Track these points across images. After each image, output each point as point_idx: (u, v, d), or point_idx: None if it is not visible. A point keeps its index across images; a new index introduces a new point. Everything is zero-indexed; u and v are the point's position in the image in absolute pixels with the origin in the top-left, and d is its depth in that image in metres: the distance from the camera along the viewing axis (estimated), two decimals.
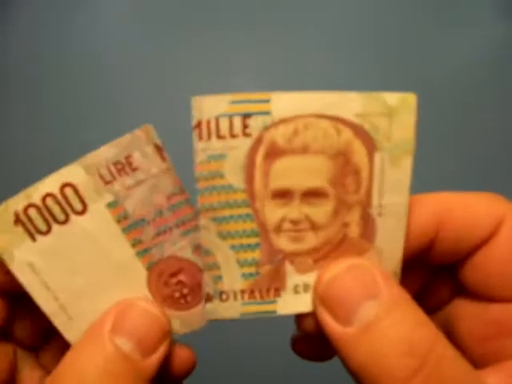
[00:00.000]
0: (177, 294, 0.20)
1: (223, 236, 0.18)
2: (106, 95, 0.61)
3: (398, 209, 0.18)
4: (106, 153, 0.18)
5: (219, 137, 0.17)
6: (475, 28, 0.65)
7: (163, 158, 0.18)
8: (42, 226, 0.18)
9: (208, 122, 0.17)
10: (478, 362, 0.18)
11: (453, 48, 0.64)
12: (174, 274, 0.19)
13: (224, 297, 0.19)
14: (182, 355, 0.20)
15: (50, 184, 0.18)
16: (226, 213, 0.18)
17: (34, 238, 0.18)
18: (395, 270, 0.19)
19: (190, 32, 0.63)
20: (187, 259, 0.19)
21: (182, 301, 0.20)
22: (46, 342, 0.22)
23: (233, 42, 0.64)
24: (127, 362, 0.17)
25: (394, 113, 0.17)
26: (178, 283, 0.19)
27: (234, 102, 0.17)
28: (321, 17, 0.65)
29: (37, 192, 0.18)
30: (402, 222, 0.18)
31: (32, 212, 0.18)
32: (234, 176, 0.18)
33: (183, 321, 0.20)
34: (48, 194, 0.18)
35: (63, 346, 0.19)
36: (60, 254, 0.18)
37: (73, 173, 0.18)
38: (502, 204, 0.19)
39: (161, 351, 0.18)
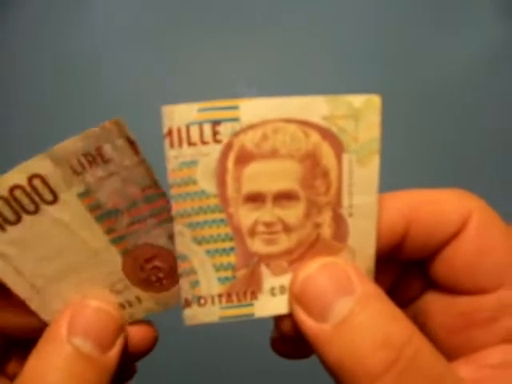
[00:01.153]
0: (153, 278, 0.20)
1: (198, 241, 0.19)
2: (105, 95, 0.62)
3: (368, 208, 0.18)
4: (74, 144, 0.18)
5: (190, 144, 0.18)
6: (475, 28, 0.65)
7: (136, 152, 0.18)
8: (12, 217, 0.18)
9: (179, 130, 0.17)
10: (448, 354, 0.18)
11: (453, 48, 0.64)
12: (148, 260, 0.20)
13: (202, 301, 0.19)
14: (140, 333, 0.21)
15: (17, 176, 0.18)
16: (200, 218, 0.18)
17: (3, 228, 0.18)
18: (369, 267, 0.19)
19: (190, 32, 0.64)
20: (161, 246, 0.20)
21: (158, 284, 0.20)
22: (8, 353, 0.22)
23: (233, 42, 0.64)
24: (89, 361, 0.18)
25: (360, 114, 0.18)
26: (153, 268, 0.20)
27: (203, 110, 0.17)
28: (320, 18, 0.65)
29: (3, 184, 0.18)
30: (372, 220, 0.19)
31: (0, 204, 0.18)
32: (206, 182, 0.18)
33: (158, 300, 0.21)
34: (16, 186, 0.18)
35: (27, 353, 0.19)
36: (32, 242, 0.18)
37: (40, 164, 0.18)
38: (469, 200, 0.19)
39: (119, 344, 0.19)
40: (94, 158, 0.18)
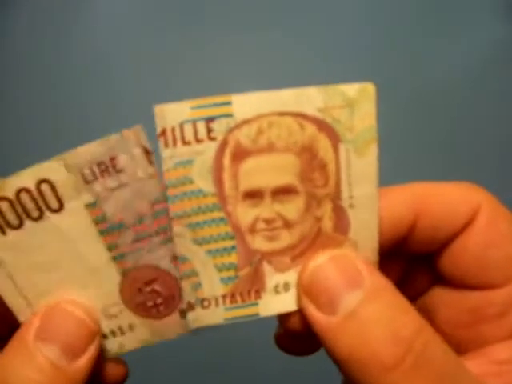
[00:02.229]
0: (150, 303, 0.19)
1: (198, 242, 0.18)
2: (106, 95, 0.62)
3: (369, 198, 0.18)
4: (89, 151, 0.17)
5: (185, 143, 0.17)
6: (475, 28, 0.65)
7: (150, 162, 0.18)
8: (14, 221, 0.17)
9: (172, 129, 0.17)
10: (455, 349, 0.18)
11: (453, 48, 0.64)
12: (148, 283, 0.19)
13: (205, 304, 0.19)
14: (112, 369, 0.20)
15: (26, 178, 0.17)
16: (199, 218, 0.18)
17: (3, 232, 0.17)
18: (372, 259, 0.19)
19: (191, 32, 0.64)
20: (164, 269, 0.19)
21: (154, 310, 0.19)
22: None
23: (233, 42, 0.64)
24: (54, 369, 0.17)
25: (354, 103, 0.18)
26: (151, 292, 0.19)
27: (195, 108, 0.17)
28: (321, 19, 0.65)
29: (10, 185, 0.17)
30: (373, 211, 0.18)
31: (4, 205, 0.17)
32: (203, 180, 0.18)
33: (154, 330, 0.20)
34: (23, 189, 0.17)
35: None
36: (30, 250, 0.18)
37: (52, 169, 0.17)
38: (477, 192, 0.19)
39: (89, 353, 0.18)
40: (107, 167, 0.17)
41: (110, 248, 0.18)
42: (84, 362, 0.18)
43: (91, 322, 0.18)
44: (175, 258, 0.19)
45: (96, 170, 0.17)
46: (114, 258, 0.18)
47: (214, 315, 0.19)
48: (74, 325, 0.18)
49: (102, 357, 0.19)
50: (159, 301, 0.19)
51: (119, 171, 0.17)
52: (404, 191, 0.19)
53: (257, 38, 0.64)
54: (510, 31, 0.64)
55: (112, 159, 0.17)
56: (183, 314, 0.19)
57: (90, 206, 0.18)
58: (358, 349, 0.16)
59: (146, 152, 0.17)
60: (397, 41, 0.64)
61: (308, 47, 0.64)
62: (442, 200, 0.19)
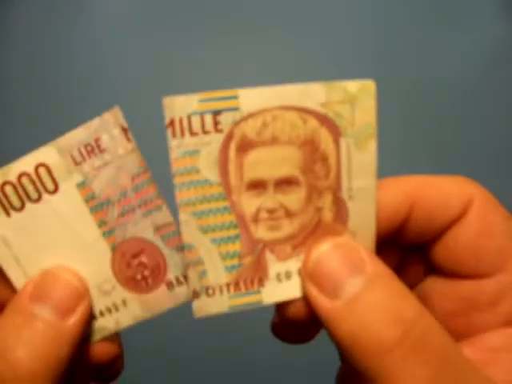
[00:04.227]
0: (138, 276, 0.20)
1: (204, 230, 0.19)
2: (106, 95, 0.62)
3: (367, 191, 0.19)
4: (77, 135, 0.19)
5: (192, 133, 0.18)
6: (475, 28, 0.65)
7: (128, 139, 0.19)
8: (17, 203, 0.19)
9: (180, 120, 0.18)
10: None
11: (453, 48, 0.65)
12: (135, 255, 0.20)
13: (210, 292, 0.19)
14: (107, 347, 0.21)
15: (26, 164, 0.19)
16: (205, 207, 0.19)
17: (8, 213, 0.19)
18: (369, 248, 0.19)
19: (191, 32, 0.64)
20: (148, 240, 0.20)
21: (143, 283, 0.21)
22: None
23: (234, 42, 0.65)
24: (48, 326, 0.18)
25: (355, 99, 0.18)
26: (139, 265, 0.20)
27: (203, 100, 0.18)
28: (321, 18, 0.66)
29: (13, 171, 0.19)
30: (371, 203, 0.19)
31: (8, 189, 0.19)
32: (209, 171, 0.18)
33: (144, 305, 0.21)
34: (23, 173, 0.19)
35: None
36: (31, 231, 0.20)
37: (47, 154, 0.19)
38: (470, 185, 0.19)
39: (79, 313, 0.19)
40: (93, 148, 0.19)
41: (100, 224, 0.20)
42: (74, 320, 0.19)
43: (78, 283, 0.20)
44: (158, 229, 0.20)
45: (83, 151, 0.19)
46: (104, 234, 0.20)
47: (218, 303, 0.19)
48: (62, 286, 0.19)
49: (94, 334, 0.21)
50: (146, 273, 0.20)
51: (103, 151, 0.19)
52: (399, 183, 0.20)
53: (257, 38, 0.65)
54: (511, 30, 0.65)
55: (96, 140, 0.19)
56: (170, 286, 0.21)
57: (80, 185, 0.19)
58: (360, 331, 0.17)
59: (124, 130, 0.19)
60: (396, 41, 0.65)
61: (308, 47, 0.65)
62: (436, 192, 0.19)
